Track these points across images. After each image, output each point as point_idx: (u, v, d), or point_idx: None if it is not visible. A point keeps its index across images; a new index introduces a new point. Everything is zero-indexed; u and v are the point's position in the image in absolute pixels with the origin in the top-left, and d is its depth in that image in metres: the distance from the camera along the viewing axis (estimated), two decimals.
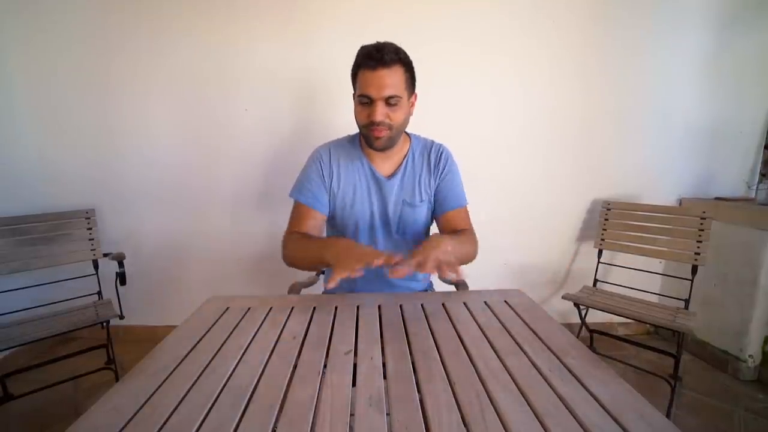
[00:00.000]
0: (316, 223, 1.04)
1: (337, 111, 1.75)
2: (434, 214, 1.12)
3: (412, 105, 1.01)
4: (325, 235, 1.15)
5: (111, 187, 1.87)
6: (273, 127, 1.84)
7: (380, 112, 0.91)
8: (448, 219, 1.08)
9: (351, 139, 1.10)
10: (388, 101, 0.91)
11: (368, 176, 1.06)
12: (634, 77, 1.86)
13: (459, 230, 1.05)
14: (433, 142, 1.12)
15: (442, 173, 1.08)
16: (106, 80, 1.77)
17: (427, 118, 1.77)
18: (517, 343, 0.68)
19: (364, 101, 0.93)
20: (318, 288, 1.30)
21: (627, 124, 1.91)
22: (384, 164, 1.06)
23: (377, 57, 0.89)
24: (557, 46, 1.82)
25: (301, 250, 0.97)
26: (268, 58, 1.77)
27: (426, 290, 1.18)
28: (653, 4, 1.80)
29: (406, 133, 1.08)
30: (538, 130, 1.90)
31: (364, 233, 1.08)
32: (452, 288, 1.19)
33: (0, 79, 1.72)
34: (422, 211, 1.09)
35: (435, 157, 1.08)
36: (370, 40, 0.94)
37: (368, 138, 0.97)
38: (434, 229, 1.20)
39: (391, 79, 0.90)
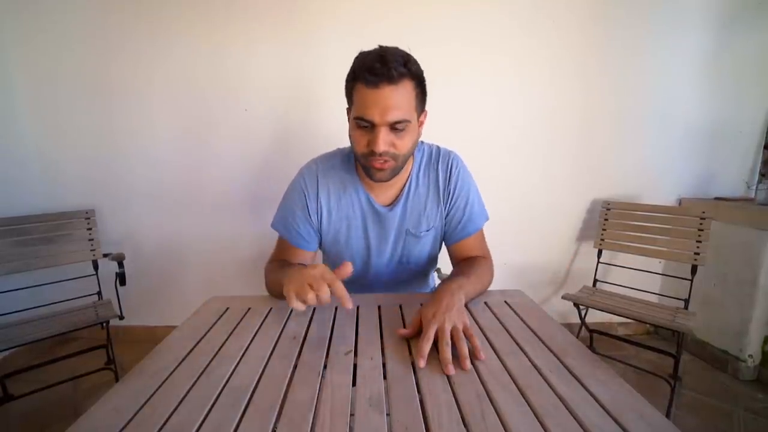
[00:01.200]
0: (297, 257, 0.92)
1: (336, 113, 1.74)
2: (446, 242, 0.98)
3: (422, 124, 0.84)
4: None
5: (111, 188, 1.87)
6: (272, 129, 1.84)
7: (383, 141, 0.74)
8: (461, 248, 0.95)
9: (344, 160, 0.93)
10: (394, 127, 0.74)
11: (365, 207, 0.92)
12: (634, 77, 1.86)
13: (472, 257, 0.93)
14: (439, 150, 0.95)
15: (453, 196, 0.92)
16: (107, 81, 1.78)
17: (428, 118, 1.77)
18: (517, 343, 0.68)
19: (363, 125, 0.75)
20: None
21: (627, 124, 1.91)
22: (384, 193, 0.92)
23: (381, 71, 0.70)
24: (557, 46, 1.82)
25: (274, 283, 0.85)
26: (268, 59, 1.77)
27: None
28: (653, 5, 1.80)
29: None
30: (538, 130, 1.90)
31: (361, 267, 0.98)
32: None
33: (0, 79, 1.73)
34: (428, 241, 0.96)
35: (444, 176, 0.92)
36: (370, 41, 0.80)
37: (367, 170, 0.81)
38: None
39: (397, 99, 0.72)
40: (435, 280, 1.24)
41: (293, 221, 0.91)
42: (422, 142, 0.97)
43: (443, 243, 1.01)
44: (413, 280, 1.05)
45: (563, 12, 1.79)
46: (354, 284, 1.00)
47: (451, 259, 1.01)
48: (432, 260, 1.05)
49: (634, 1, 1.79)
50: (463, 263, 0.92)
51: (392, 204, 0.92)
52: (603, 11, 1.79)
